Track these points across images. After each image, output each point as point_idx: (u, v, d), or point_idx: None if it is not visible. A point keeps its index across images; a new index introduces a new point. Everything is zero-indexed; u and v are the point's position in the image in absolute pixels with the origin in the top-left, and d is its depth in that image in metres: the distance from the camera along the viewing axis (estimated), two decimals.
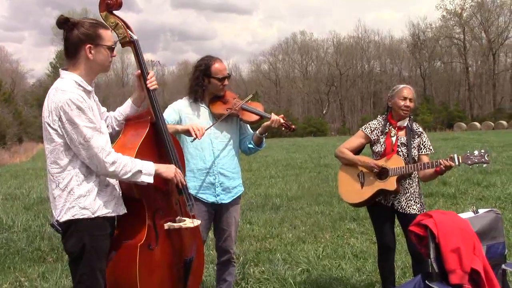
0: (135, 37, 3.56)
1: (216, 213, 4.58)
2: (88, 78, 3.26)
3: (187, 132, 4.18)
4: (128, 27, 3.54)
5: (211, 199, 4.49)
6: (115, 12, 3.52)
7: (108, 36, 3.28)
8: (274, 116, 4.46)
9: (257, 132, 4.62)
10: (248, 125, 4.74)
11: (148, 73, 3.59)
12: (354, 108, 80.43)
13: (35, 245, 7.53)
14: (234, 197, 4.61)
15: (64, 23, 3.18)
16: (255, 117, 4.54)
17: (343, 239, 7.62)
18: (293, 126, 4.58)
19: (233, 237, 4.66)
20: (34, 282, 5.84)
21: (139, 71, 3.61)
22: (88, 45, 3.19)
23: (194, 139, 4.14)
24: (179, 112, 4.46)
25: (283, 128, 4.54)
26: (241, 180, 4.73)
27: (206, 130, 4.23)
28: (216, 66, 4.44)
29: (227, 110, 4.47)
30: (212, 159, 4.47)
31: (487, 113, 66.78)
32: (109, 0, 3.47)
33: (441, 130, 57.13)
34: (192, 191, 4.40)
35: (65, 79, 3.20)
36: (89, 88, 3.26)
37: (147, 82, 3.57)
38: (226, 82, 4.50)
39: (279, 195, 11.88)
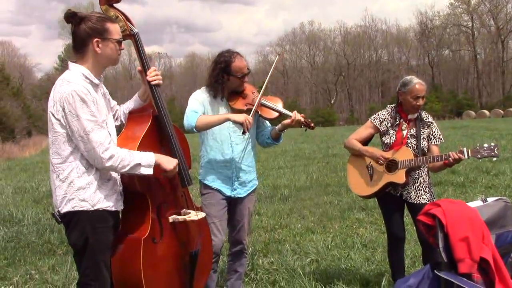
0: (135, 30, 3.55)
1: (231, 205, 4.58)
2: (96, 71, 3.27)
3: (239, 124, 4.17)
4: (128, 20, 3.53)
5: (228, 192, 4.50)
6: (115, 5, 3.52)
7: (116, 29, 3.29)
8: (296, 116, 4.39)
9: (277, 128, 4.59)
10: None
11: (149, 67, 3.58)
12: (362, 98, 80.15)
13: (45, 238, 7.58)
14: (250, 190, 4.62)
15: (71, 17, 3.19)
16: (274, 114, 4.51)
17: (352, 229, 7.62)
18: (313, 124, 4.54)
19: (246, 228, 4.67)
20: (44, 275, 5.87)
21: (140, 67, 3.61)
22: (96, 39, 3.19)
23: (244, 133, 4.14)
24: (203, 104, 4.44)
25: (303, 126, 4.50)
26: (256, 174, 4.73)
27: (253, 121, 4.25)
28: (236, 63, 4.38)
29: (246, 105, 4.44)
30: (230, 152, 4.47)
31: (496, 101, 66.39)
32: None
33: (450, 118, 56.85)
34: (210, 182, 4.47)
35: (72, 71, 3.22)
36: (96, 81, 3.27)
37: (148, 76, 3.56)
38: (246, 79, 4.48)
39: (288, 186, 11.87)
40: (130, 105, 3.69)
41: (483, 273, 3.48)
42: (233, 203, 4.58)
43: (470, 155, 4.46)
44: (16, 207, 10.03)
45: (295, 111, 4.47)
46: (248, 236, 4.74)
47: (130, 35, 3.54)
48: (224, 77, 4.41)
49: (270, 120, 4.66)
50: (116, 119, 3.63)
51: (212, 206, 4.44)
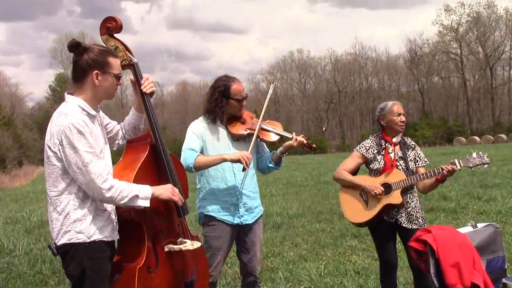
0: (135, 60, 3.60)
1: (239, 234, 4.52)
2: (93, 103, 3.30)
3: (237, 161, 4.18)
4: (128, 50, 3.58)
5: (236, 220, 4.44)
6: (115, 35, 3.57)
7: (117, 64, 3.34)
8: (297, 136, 4.46)
9: (278, 151, 4.59)
10: (265, 144, 4.71)
11: (148, 100, 3.60)
12: (353, 125, 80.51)
13: (36, 268, 7.51)
14: (257, 217, 4.58)
15: (75, 47, 3.24)
16: (275, 138, 4.53)
17: (345, 256, 7.61)
18: (314, 145, 4.60)
19: (258, 257, 4.58)
20: None
21: (132, 77, 3.63)
22: (96, 71, 3.23)
23: (244, 169, 4.16)
24: (202, 137, 4.42)
25: (304, 148, 4.54)
26: (260, 200, 4.72)
27: (250, 155, 4.26)
28: (235, 87, 4.40)
29: (246, 130, 4.45)
30: (233, 179, 4.43)
31: (486, 127, 66.89)
32: (109, 24, 3.52)
33: (441, 145, 57.05)
34: (215, 214, 4.40)
35: (69, 103, 3.25)
36: (93, 112, 3.30)
37: (142, 86, 3.58)
38: (244, 103, 4.49)
39: (280, 213, 11.85)
40: (129, 119, 3.73)
41: None
42: (241, 232, 4.51)
43: (462, 165, 4.53)
44: (7, 238, 9.95)
45: (294, 133, 4.53)
46: (259, 265, 4.67)
47: (129, 64, 3.58)
48: (223, 101, 4.40)
49: (271, 144, 4.65)
50: (120, 138, 3.67)
51: (217, 238, 4.37)
